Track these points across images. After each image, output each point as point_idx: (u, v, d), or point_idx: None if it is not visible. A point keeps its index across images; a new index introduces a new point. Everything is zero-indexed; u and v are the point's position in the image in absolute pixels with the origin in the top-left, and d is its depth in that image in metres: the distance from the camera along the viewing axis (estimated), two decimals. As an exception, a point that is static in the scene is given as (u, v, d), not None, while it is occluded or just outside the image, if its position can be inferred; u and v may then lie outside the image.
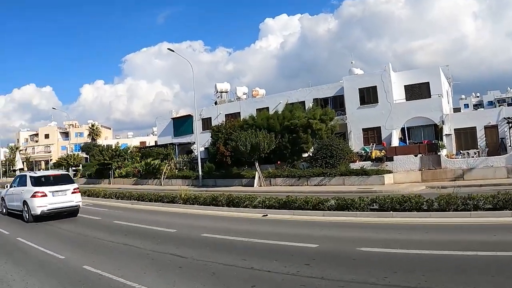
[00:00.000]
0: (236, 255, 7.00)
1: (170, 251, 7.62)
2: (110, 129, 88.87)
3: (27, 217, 12.63)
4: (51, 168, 69.77)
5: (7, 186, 15.62)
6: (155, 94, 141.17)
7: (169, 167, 30.78)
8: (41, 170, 77.14)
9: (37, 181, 13.09)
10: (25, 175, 14.04)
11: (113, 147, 36.06)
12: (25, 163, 73.15)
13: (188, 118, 41.97)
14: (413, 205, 9.98)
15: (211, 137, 30.37)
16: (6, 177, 67.58)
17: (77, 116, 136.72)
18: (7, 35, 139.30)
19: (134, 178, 32.49)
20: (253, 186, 23.46)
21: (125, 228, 11.12)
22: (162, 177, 29.90)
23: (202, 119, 40.97)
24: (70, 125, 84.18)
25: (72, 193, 13.12)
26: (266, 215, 11.77)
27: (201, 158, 28.47)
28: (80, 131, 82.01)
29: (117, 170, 34.74)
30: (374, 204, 10.73)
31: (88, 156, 60.34)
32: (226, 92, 43.21)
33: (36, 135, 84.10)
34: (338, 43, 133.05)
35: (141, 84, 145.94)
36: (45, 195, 12.45)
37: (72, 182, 13.90)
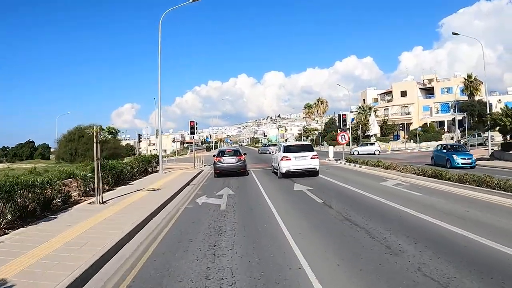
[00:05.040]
0: None
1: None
2: (482, 83, 65.77)
3: (279, 174, 17.20)
4: (418, 134, 56.36)
5: (273, 152, 21.57)
6: (477, 57, 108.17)
7: None
8: (401, 136, 66.06)
9: (286, 149, 17.69)
10: (281, 144, 20.22)
11: None
12: (382, 127, 62.69)
13: None
14: None
15: None
16: (356, 144, 56.37)
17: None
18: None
19: None
20: None
21: None
22: None
23: None
24: (430, 80, 67.95)
25: (311, 158, 17.01)
26: None
27: None
28: (447, 85, 63.92)
29: None
30: None
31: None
32: None
33: (388, 93, 72.67)
34: None
35: (462, 47, 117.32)
36: (290, 159, 16.74)
37: (312, 150, 17.85)
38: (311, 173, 17.10)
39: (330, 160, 27.61)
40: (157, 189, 13.81)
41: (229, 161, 19.27)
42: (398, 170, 17.38)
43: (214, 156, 20.11)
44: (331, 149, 28.97)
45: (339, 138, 25.52)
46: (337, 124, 26.99)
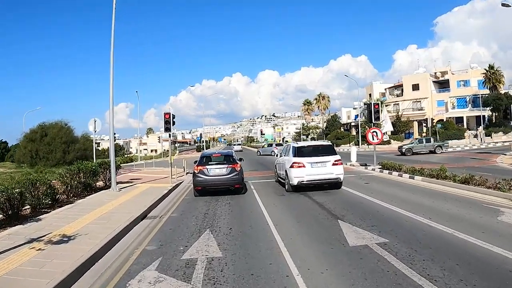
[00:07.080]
0: None
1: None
2: (503, 75, 59.57)
3: (287, 186, 12.48)
4: (437, 131, 50.05)
5: (278, 155, 16.43)
6: (471, 55, 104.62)
7: None
8: (414, 134, 59.71)
9: (297, 152, 12.60)
10: (290, 145, 13.99)
11: None
12: (395, 124, 55.85)
13: None
14: None
15: None
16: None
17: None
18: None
19: None
20: None
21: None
22: None
23: None
24: (443, 72, 61.48)
25: (333, 165, 12.20)
26: None
27: None
28: (463, 78, 57.72)
29: None
30: None
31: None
32: None
33: (397, 87, 66.26)
34: None
35: (456, 46, 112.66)
36: (303, 166, 12.01)
37: (333, 153, 12.65)
38: (332, 185, 12.42)
39: (353, 166, 20.91)
40: (70, 239, 6.94)
41: (216, 172, 12.48)
42: (489, 187, 10.67)
43: (195, 163, 13.26)
44: (353, 150, 22.15)
45: (369, 136, 18.81)
46: (367, 117, 20.29)
